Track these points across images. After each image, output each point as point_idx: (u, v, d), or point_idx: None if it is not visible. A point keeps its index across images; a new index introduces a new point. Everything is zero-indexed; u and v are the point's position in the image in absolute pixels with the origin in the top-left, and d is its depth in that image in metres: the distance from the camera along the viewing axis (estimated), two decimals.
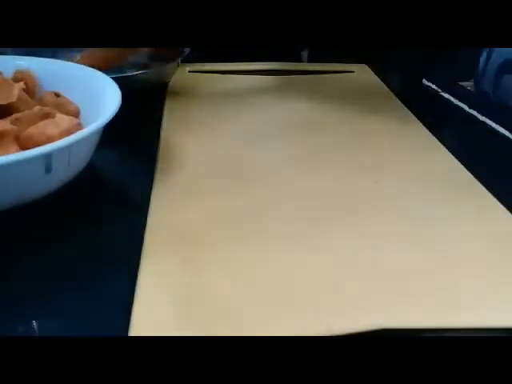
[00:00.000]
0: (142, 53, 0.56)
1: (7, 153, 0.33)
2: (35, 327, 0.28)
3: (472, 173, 0.41)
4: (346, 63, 0.64)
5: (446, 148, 0.45)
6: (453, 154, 0.44)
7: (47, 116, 0.36)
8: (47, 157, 0.31)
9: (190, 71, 0.60)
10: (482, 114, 0.52)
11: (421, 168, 0.42)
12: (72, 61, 0.45)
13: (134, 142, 0.47)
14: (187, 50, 0.55)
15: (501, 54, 0.58)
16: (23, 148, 0.34)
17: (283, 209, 0.36)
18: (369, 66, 0.63)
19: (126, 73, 0.52)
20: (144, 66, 0.55)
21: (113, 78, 0.40)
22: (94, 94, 0.39)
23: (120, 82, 0.40)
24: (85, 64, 0.42)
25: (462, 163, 0.43)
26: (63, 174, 0.34)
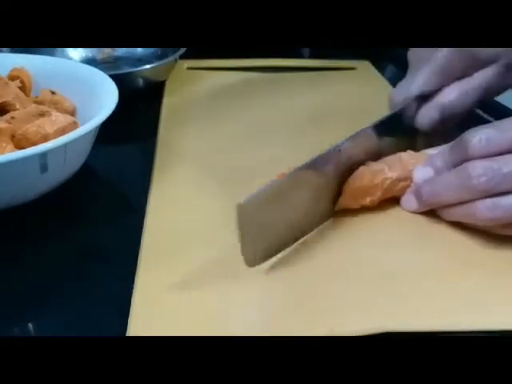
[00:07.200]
0: None
1: (2, 152, 0.33)
2: (35, 327, 0.27)
3: None
4: (348, 60, 0.63)
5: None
6: None
7: (43, 114, 0.35)
8: (42, 156, 0.31)
9: (188, 68, 0.60)
10: (485, 112, 0.51)
11: None
12: None
13: (131, 140, 0.47)
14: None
15: None
16: (18, 147, 0.34)
17: None
18: (371, 63, 0.62)
19: (123, 70, 0.52)
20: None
21: (110, 75, 0.40)
22: (91, 92, 0.39)
23: (117, 79, 0.39)
24: None
25: None
26: (59, 173, 0.34)
